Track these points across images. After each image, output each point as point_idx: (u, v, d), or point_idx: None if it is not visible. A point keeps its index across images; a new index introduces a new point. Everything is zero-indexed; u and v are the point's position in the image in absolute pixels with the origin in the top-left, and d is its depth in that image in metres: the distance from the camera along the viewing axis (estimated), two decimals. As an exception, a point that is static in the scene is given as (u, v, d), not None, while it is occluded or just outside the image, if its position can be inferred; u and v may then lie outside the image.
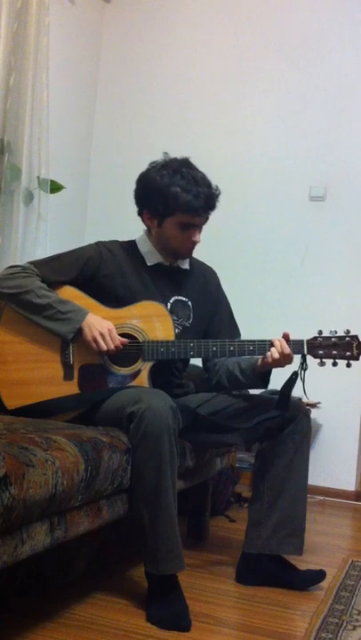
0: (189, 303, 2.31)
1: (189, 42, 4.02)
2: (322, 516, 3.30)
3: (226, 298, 2.45)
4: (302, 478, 2.23)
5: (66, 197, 3.57)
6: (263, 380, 2.23)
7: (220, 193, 2.22)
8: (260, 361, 2.17)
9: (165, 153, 2.26)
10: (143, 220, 2.28)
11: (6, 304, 2.19)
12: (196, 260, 2.42)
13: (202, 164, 2.26)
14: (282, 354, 2.09)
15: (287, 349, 2.09)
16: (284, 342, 2.10)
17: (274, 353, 2.09)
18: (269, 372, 2.22)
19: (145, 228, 2.31)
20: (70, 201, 3.82)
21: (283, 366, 2.12)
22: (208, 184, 2.19)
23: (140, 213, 2.28)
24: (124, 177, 4.02)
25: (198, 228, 2.23)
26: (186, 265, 2.35)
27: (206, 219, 2.23)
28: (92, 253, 2.24)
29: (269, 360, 2.10)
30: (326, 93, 3.73)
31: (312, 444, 3.29)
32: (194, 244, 2.25)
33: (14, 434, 1.65)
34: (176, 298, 2.28)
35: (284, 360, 2.10)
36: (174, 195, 2.13)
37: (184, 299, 2.30)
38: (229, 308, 2.45)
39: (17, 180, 3.22)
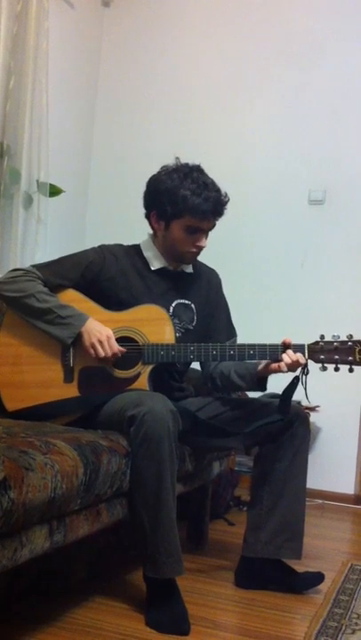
0: (193, 306, 2.31)
1: (188, 45, 4.03)
2: (321, 519, 3.30)
3: (225, 299, 2.45)
4: (301, 482, 2.23)
5: (65, 201, 3.58)
6: (261, 384, 2.23)
7: (228, 200, 2.22)
8: (261, 366, 2.16)
9: (177, 158, 2.25)
10: (150, 223, 2.28)
11: (8, 307, 2.20)
12: (200, 262, 2.42)
13: (201, 166, 2.26)
14: (296, 362, 2.08)
15: (295, 356, 2.08)
16: (290, 352, 2.09)
17: (286, 359, 2.07)
18: (267, 378, 2.22)
19: (150, 232, 2.31)
20: (70, 204, 3.82)
21: (295, 370, 2.12)
22: (218, 190, 2.20)
23: (147, 215, 2.28)
24: (123, 180, 4.10)
25: (205, 232, 2.23)
26: (190, 269, 2.35)
27: (213, 224, 2.23)
28: (94, 257, 2.24)
29: (284, 369, 2.08)
30: (326, 96, 3.74)
31: (311, 448, 3.30)
32: (199, 248, 2.25)
33: (14, 437, 1.65)
34: (179, 301, 2.28)
35: (298, 364, 2.10)
36: (183, 197, 2.14)
37: (187, 302, 2.30)
38: (227, 308, 2.44)
39: (16, 183, 3.23)
